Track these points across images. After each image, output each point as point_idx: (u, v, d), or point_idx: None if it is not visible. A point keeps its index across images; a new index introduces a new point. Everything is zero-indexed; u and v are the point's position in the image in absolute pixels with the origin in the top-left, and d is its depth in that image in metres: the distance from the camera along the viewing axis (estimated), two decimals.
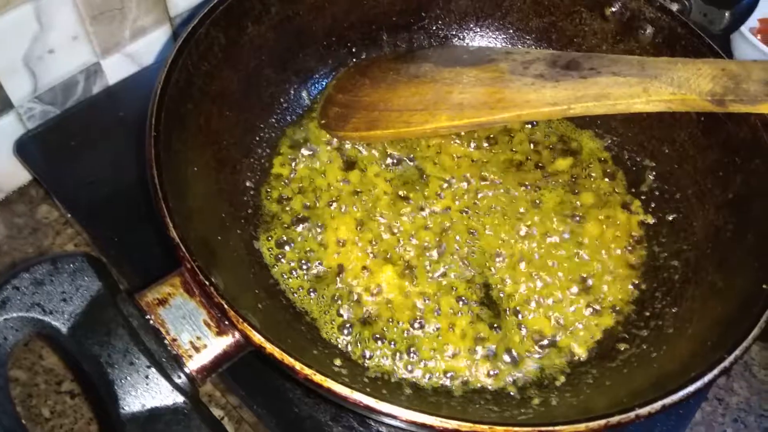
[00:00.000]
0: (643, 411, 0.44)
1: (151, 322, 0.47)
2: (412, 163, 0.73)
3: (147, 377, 0.43)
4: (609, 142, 0.77)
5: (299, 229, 0.67)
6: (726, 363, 0.47)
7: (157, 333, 0.46)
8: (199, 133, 0.61)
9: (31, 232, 0.78)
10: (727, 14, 0.73)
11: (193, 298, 0.48)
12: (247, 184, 0.68)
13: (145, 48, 0.83)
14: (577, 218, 0.71)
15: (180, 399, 0.44)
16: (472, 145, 0.75)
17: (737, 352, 0.48)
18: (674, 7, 0.72)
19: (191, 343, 0.47)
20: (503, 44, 0.81)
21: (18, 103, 0.75)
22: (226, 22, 0.63)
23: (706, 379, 0.46)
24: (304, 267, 0.65)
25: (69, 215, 0.74)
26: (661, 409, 0.45)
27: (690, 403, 0.65)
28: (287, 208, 0.69)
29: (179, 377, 0.45)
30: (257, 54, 0.69)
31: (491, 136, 0.76)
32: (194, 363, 0.47)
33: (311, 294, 0.64)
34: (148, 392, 0.43)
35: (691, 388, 0.46)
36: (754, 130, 0.62)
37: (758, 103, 0.56)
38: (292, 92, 0.75)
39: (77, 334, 0.44)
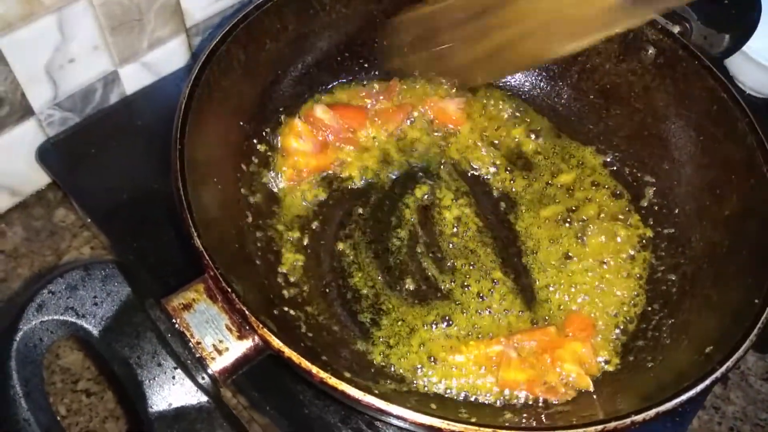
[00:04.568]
0: (638, 418, 0.46)
1: (177, 326, 0.49)
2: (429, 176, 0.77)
3: (173, 378, 0.46)
4: (611, 157, 0.79)
5: (315, 237, 0.70)
6: (718, 374, 0.49)
7: (182, 336, 0.49)
8: (217, 144, 0.64)
9: (48, 235, 0.80)
10: (726, 37, 0.75)
11: (216, 303, 0.51)
12: (263, 193, 0.71)
13: (161, 57, 0.86)
14: (579, 232, 0.73)
15: (204, 398, 0.46)
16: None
17: (729, 363, 0.50)
18: (676, 29, 0.74)
19: (214, 346, 0.49)
20: None
21: (39, 110, 0.77)
22: (246, 39, 0.66)
23: (699, 388, 0.48)
24: (317, 273, 0.68)
25: (89, 220, 0.76)
26: (655, 416, 0.47)
27: (686, 410, 0.67)
28: (302, 217, 0.71)
29: (203, 378, 0.48)
30: (274, 69, 0.72)
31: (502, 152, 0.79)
32: (217, 365, 0.49)
33: (323, 298, 0.66)
34: (174, 392, 0.46)
35: (683, 397, 0.48)
36: (751, 150, 0.64)
37: None
38: (308, 105, 0.77)
39: (108, 337, 0.46)
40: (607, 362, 0.64)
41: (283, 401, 0.63)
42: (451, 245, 0.71)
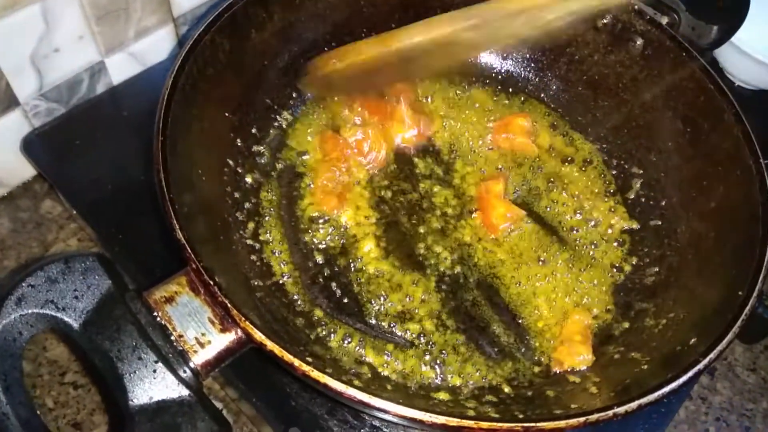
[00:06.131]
0: (621, 410, 0.47)
1: (159, 319, 0.49)
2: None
3: (154, 371, 0.46)
4: (598, 148, 0.79)
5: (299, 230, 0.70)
6: (700, 365, 0.49)
7: (164, 329, 0.48)
8: (202, 136, 0.63)
9: (35, 226, 0.80)
10: (714, 29, 0.75)
11: (198, 296, 0.50)
12: (249, 184, 0.70)
13: (148, 47, 0.85)
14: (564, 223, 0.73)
15: (185, 392, 0.46)
16: None
17: (712, 355, 0.50)
18: (664, 20, 0.74)
19: (196, 339, 0.49)
20: (498, 53, 0.84)
21: (24, 101, 0.76)
22: (230, 29, 0.65)
23: (681, 380, 0.49)
24: (303, 265, 0.67)
25: (74, 212, 0.75)
26: (637, 408, 0.47)
27: (672, 401, 0.67)
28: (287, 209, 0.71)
29: (185, 372, 0.48)
30: (260, 59, 0.71)
31: None
32: (199, 358, 0.49)
33: (307, 292, 0.66)
34: (155, 385, 0.46)
35: (666, 389, 0.48)
36: (737, 141, 0.64)
37: None
38: (294, 96, 0.77)
39: (88, 330, 0.46)
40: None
41: (270, 393, 0.62)
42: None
